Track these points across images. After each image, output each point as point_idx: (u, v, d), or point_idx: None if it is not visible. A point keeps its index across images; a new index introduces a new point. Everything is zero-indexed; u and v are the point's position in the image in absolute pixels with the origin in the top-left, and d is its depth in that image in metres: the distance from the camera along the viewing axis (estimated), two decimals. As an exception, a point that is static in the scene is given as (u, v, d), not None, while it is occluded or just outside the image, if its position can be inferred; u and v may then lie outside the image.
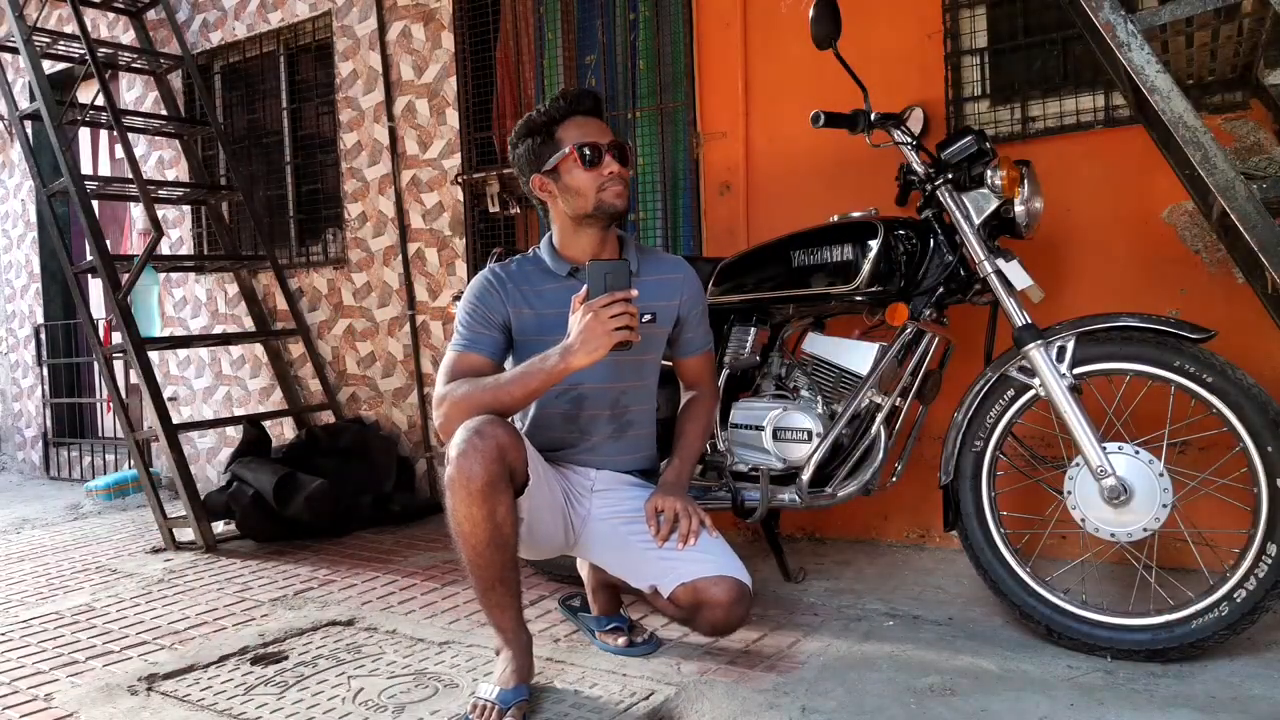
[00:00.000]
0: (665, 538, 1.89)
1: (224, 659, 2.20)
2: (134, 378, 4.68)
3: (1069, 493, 1.96)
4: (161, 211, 4.53)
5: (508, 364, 1.98)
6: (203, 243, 4.73)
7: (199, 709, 1.92)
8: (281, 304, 4.31)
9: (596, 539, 2.01)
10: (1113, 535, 1.92)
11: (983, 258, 2.06)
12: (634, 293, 1.72)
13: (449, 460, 1.74)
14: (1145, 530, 1.88)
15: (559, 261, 1.99)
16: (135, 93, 4.87)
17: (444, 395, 1.84)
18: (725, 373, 2.45)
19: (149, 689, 2.05)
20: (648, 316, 1.97)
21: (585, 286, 1.74)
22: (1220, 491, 2.05)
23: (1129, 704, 1.71)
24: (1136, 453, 1.90)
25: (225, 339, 4.20)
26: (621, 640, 2.10)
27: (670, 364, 2.17)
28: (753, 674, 1.94)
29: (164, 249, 4.64)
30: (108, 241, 4.17)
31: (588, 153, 1.90)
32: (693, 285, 2.08)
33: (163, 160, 4.83)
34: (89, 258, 3.79)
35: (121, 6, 4.51)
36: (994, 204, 2.07)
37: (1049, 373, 1.96)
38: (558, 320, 1.82)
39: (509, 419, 1.83)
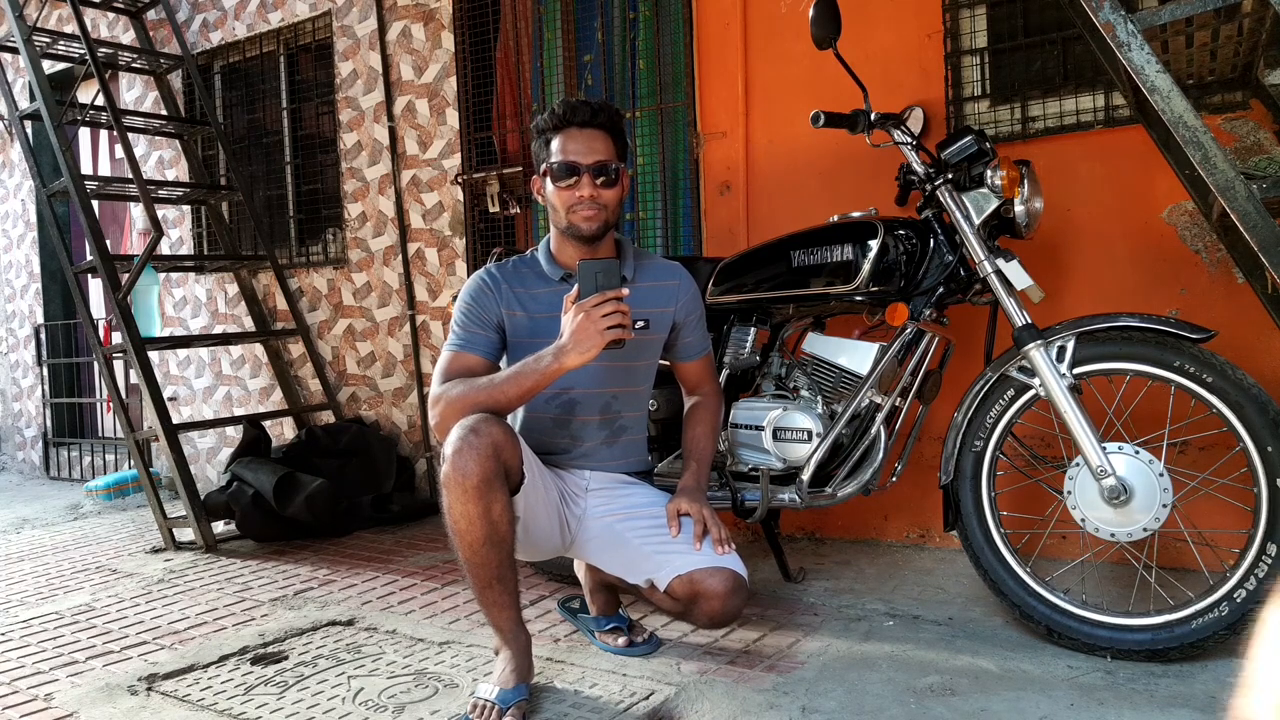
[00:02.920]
0: (700, 539, 1.90)
1: (224, 659, 2.20)
2: (134, 378, 4.68)
3: (1069, 493, 1.96)
4: (161, 211, 4.54)
5: (503, 363, 1.99)
6: (203, 243, 4.73)
7: (199, 709, 1.92)
8: (281, 304, 4.31)
9: (592, 537, 2.01)
10: (1113, 535, 1.92)
11: (983, 258, 2.06)
12: (625, 291, 1.72)
13: (444, 458, 1.74)
14: (1145, 530, 1.88)
15: (553, 266, 1.99)
16: (135, 93, 4.87)
17: (439, 395, 1.85)
18: (725, 373, 2.45)
19: (149, 689, 2.05)
20: (641, 323, 1.97)
21: (576, 286, 1.74)
22: (1220, 491, 2.05)
23: (1129, 704, 1.71)
24: (1136, 453, 1.90)
25: (225, 339, 4.20)
26: (621, 640, 2.10)
27: (668, 364, 2.18)
28: (753, 674, 1.94)
29: (164, 249, 4.65)
30: (108, 241, 4.17)
31: (562, 170, 1.89)
32: (688, 291, 2.08)
33: (163, 160, 4.83)
34: (89, 258, 3.79)
35: (121, 6, 4.51)
36: (994, 204, 2.07)
37: (1049, 373, 1.96)
38: (550, 323, 1.83)
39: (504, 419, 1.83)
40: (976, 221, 2.08)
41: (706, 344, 2.16)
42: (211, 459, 4.67)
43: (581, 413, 2.02)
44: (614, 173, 1.91)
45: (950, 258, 2.16)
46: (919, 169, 2.17)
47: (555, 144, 1.92)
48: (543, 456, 1.99)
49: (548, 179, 1.93)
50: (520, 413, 2.04)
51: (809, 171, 3.00)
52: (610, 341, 1.70)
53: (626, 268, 1.99)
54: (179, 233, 4.77)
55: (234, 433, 4.42)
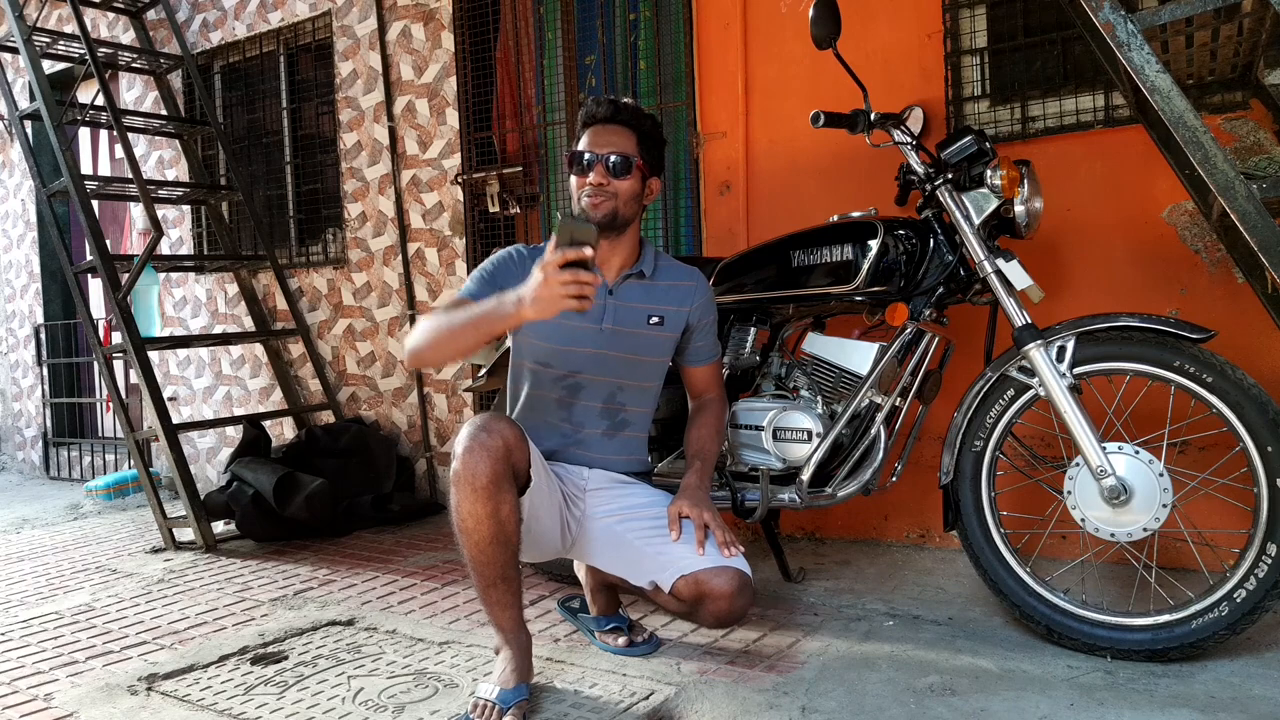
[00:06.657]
0: (701, 543, 1.89)
1: (224, 659, 2.20)
2: (134, 378, 4.69)
3: (1069, 493, 1.96)
4: (161, 211, 4.54)
5: (509, 342, 2.05)
6: (203, 243, 4.73)
7: (199, 709, 1.92)
8: (281, 304, 4.31)
9: (594, 539, 2.01)
10: (1113, 535, 1.92)
11: (983, 257, 2.06)
12: (587, 253, 1.63)
13: (454, 455, 1.75)
14: (1145, 530, 1.88)
15: None
16: (135, 93, 4.87)
17: (418, 321, 1.90)
18: (725, 373, 2.45)
19: (149, 689, 2.05)
20: (655, 319, 2.03)
21: (553, 237, 1.66)
22: (1220, 491, 2.05)
23: (1129, 704, 1.71)
24: (1136, 453, 1.90)
25: (225, 339, 4.19)
26: (621, 640, 2.10)
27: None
28: (753, 674, 1.94)
29: (164, 249, 4.65)
30: (108, 241, 4.17)
31: (574, 161, 1.98)
32: (704, 295, 2.11)
33: (163, 160, 4.83)
34: (89, 258, 3.79)
35: (121, 6, 4.51)
36: (994, 204, 2.07)
37: (1049, 373, 1.96)
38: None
39: (512, 416, 1.84)
40: (976, 221, 2.08)
41: (717, 350, 2.18)
42: (211, 459, 4.67)
43: (586, 397, 2.04)
44: (625, 164, 1.95)
45: (950, 258, 2.16)
46: (919, 169, 2.17)
47: (582, 139, 2.01)
48: (541, 447, 2.00)
49: (569, 171, 2.00)
50: (524, 391, 2.06)
51: (809, 171, 3.00)
52: (571, 307, 1.64)
53: (646, 264, 2.04)
54: (179, 233, 4.77)
55: (234, 433, 4.42)
